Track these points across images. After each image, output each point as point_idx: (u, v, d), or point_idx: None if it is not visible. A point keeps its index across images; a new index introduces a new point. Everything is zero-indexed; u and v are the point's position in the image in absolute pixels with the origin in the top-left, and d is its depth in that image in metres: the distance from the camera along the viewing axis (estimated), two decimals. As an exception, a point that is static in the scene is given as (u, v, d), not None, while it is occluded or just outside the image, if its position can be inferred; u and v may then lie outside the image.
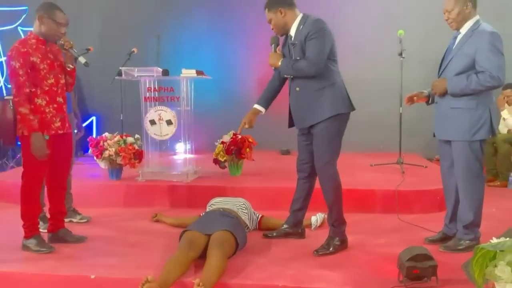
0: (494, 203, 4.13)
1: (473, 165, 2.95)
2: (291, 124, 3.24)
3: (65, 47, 3.11)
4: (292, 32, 3.04)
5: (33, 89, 2.99)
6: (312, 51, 2.91)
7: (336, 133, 3.03)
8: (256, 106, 3.25)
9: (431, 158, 6.11)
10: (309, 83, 2.99)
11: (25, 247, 3.11)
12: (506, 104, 5.24)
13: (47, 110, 3.05)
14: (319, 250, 3.04)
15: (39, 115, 3.01)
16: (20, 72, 2.91)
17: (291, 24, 3.04)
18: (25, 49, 2.96)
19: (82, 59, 3.14)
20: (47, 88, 3.03)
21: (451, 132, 3.00)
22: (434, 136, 3.18)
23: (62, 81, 3.16)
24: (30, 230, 3.11)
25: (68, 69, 3.19)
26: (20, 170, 3.15)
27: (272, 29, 3.11)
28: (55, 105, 3.09)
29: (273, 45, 3.13)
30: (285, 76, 3.15)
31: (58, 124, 3.09)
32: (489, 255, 1.92)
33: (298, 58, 2.99)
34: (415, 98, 3.20)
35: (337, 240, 3.07)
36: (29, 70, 2.94)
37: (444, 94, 2.99)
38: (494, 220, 3.60)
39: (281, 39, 3.21)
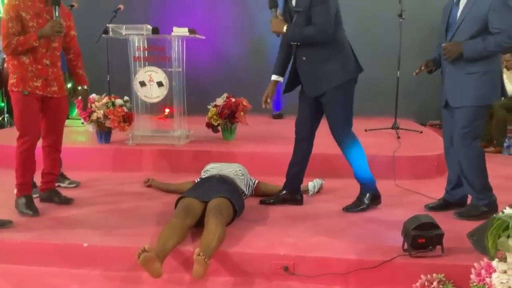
0: (490, 169, 4.08)
1: (478, 129, 2.88)
2: (287, 89, 3.16)
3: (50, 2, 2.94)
4: None
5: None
6: (320, 18, 2.80)
7: (348, 99, 3.01)
8: (274, 77, 3.15)
9: (424, 123, 6.06)
10: (318, 50, 2.89)
11: (16, 205, 3.07)
12: (505, 69, 5.15)
13: (29, 69, 2.97)
14: (348, 207, 3.08)
15: (20, 71, 2.94)
16: (10, 24, 2.88)
17: None
18: (17, 2, 2.89)
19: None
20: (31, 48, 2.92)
21: (469, 98, 2.83)
22: (445, 106, 2.98)
23: (54, 45, 3.05)
24: (20, 189, 3.05)
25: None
26: None
27: None
28: (39, 66, 3.00)
29: (272, 9, 2.96)
30: (291, 43, 3.00)
31: (37, 84, 2.99)
32: (502, 225, 1.86)
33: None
34: (423, 68, 3.03)
35: (367, 197, 3.09)
36: (19, 24, 2.89)
37: (457, 58, 2.83)
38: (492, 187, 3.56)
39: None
